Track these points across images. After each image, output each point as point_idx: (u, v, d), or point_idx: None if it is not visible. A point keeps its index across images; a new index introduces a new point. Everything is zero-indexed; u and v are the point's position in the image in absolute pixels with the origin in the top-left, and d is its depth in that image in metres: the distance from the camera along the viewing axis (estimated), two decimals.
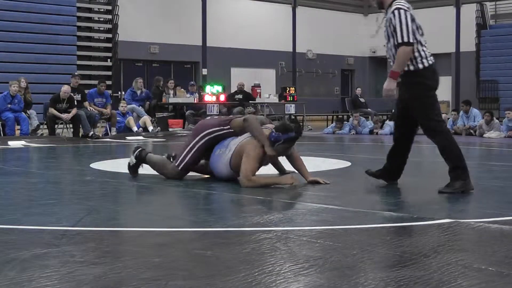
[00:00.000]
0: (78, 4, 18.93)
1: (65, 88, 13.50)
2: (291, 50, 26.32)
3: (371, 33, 27.62)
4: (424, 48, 5.24)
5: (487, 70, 23.37)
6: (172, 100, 16.00)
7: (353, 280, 2.68)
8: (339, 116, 18.84)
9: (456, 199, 4.92)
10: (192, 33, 23.21)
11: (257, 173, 5.64)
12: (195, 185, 5.83)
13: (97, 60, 19.59)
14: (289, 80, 25.70)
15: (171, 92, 16.17)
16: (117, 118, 14.43)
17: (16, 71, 15.82)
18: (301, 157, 5.97)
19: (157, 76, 17.30)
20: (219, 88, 17.75)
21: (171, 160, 6.20)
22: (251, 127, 5.71)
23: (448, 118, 15.44)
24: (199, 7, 23.50)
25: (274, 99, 18.97)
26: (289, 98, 18.76)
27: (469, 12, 24.58)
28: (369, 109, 19.11)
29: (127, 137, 13.18)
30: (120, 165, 6.45)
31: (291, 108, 18.32)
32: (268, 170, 6.04)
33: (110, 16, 19.79)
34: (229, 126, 5.93)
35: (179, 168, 6.02)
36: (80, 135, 13.51)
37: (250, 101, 17.79)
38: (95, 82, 15.92)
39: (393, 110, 19.44)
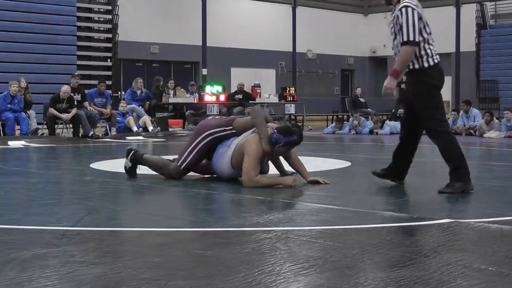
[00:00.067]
0: (78, 4, 18.93)
1: (65, 88, 13.50)
2: (291, 50, 26.32)
3: (371, 33, 27.65)
4: (431, 47, 5.22)
5: (487, 70, 23.37)
6: (172, 100, 16.00)
7: (353, 280, 2.68)
8: (339, 116, 18.84)
9: (456, 199, 4.92)
10: (192, 33, 23.21)
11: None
12: (195, 185, 5.83)
13: (97, 60, 19.59)
14: (289, 80, 25.70)
15: (171, 92, 16.17)
16: (117, 118, 14.42)
17: (16, 71, 15.82)
18: (301, 157, 5.97)
19: (157, 76, 17.30)
20: (219, 88, 17.75)
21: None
22: (255, 119, 5.71)
23: (448, 118, 15.42)
24: (199, 7, 23.50)
25: (274, 99, 18.97)
26: (289, 98, 18.76)
27: (469, 12, 24.59)
28: (369, 109, 19.10)
29: (127, 137, 13.18)
30: (120, 165, 6.45)
31: (291, 108, 18.32)
32: (269, 170, 6.03)
33: (110, 16, 19.79)
34: (231, 127, 5.93)
35: (181, 167, 6.03)
36: (80, 135, 13.51)
37: (250, 101, 17.79)
38: (95, 82, 15.92)
39: (393, 110, 19.46)
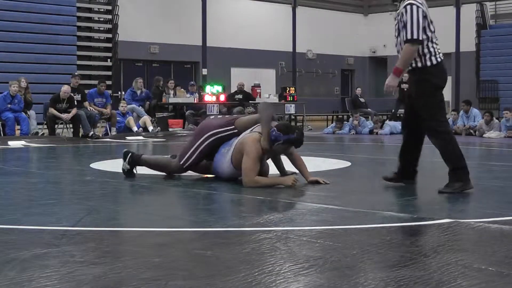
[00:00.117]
0: (78, 4, 18.93)
1: (65, 88, 13.50)
2: (291, 50, 26.32)
3: (371, 33, 27.65)
4: (434, 45, 5.21)
5: (487, 70, 23.37)
6: (172, 100, 16.00)
7: (353, 280, 2.68)
8: (339, 116, 18.84)
9: (456, 199, 4.92)
10: (192, 33, 23.21)
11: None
12: (195, 185, 5.83)
13: (97, 60, 19.58)
14: (289, 80, 25.69)
15: (171, 92, 16.17)
16: (117, 118, 14.42)
17: (16, 71, 15.82)
18: (301, 157, 5.97)
19: (157, 76, 17.30)
20: (219, 88, 17.75)
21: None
22: (262, 114, 5.70)
23: (448, 118, 15.42)
24: (199, 7, 23.50)
25: (274, 99, 18.96)
26: (289, 98, 18.76)
27: (469, 12, 24.59)
28: (369, 109, 19.10)
29: (127, 137, 13.18)
30: (120, 165, 6.45)
31: (291, 108, 18.31)
32: (269, 170, 6.03)
33: (110, 16, 19.79)
34: (233, 126, 5.92)
35: (184, 166, 6.04)
36: (80, 135, 13.51)
37: (250, 101, 17.79)
38: (95, 82, 15.92)
39: (393, 110, 19.45)
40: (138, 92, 15.84)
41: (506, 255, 3.11)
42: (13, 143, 11.28)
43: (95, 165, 7.62)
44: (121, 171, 6.31)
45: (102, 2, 20.43)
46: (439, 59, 5.22)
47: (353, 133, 15.67)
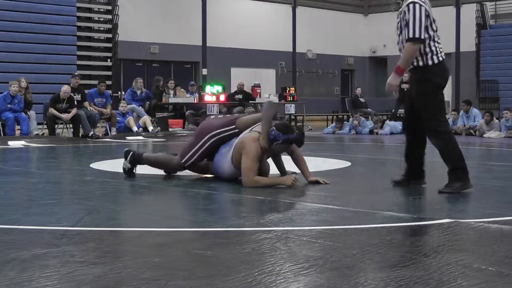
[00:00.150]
0: (78, 4, 18.92)
1: (65, 88, 13.50)
2: (291, 50, 26.32)
3: (371, 33, 27.65)
4: (437, 44, 5.19)
5: (487, 70, 23.36)
6: (172, 100, 16.00)
7: (353, 280, 2.68)
8: (339, 116, 18.84)
9: (456, 199, 4.92)
10: (192, 33, 23.21)
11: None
12: (195, 185, 5.83)
13: (97, 60, 19.58)
14: (289, 80, 25.69)
15: (171, 92, 16.17)
16: (117, 118, 14.42)
17: (16, 71, 15.81)
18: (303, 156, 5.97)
19: (157, 76, 17.29)
20: (219, 88, 17.75)
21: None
22: (265, 112, 5.70)
23: (448, 118, 15.43)
24: (199, 7, 23.50)
25: (274, 99, 18.94)
26: (289, 98, 18.75)
27: (469, 12, 24.59)
28: (369, 109, 19.10)
29: (127, 137, 13.18)
30: (120, 165, 6.44)
31: (291, 108, 18.31)
32: (269, 171, 6.03)
33: (110, 16, 19.79)
34: (234, 126, 5.92)
35: (185, 165, 6.06)
36: (80, 135, 13.51)
37: (250, 101, 17.79)
38: (95, 82, 15.91)
39: (393, 110, 19.44)
40: (138, 92, 15.84)
41: (506, 255, 3.11)
42: (13, 143, 11.27)
43: (95, 165, 7.62)
44: (122, 170, 6.31)
45: (102, 2, 20.43)
46: (440, 58, 5.21)
47: (353, 133, 15.67)
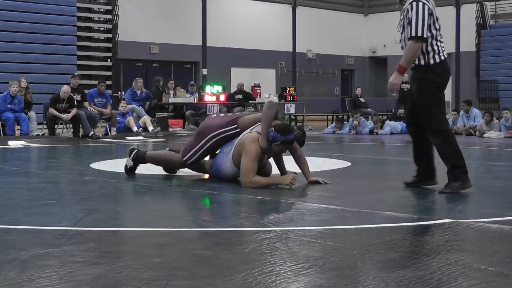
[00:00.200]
0: (78, 4, 18.92)
1: (65, 88, 13.49)
2: (291, 50, 26.31)
3: (371, 33, 27.64)
4: (439, 43, 5.18)
5: (487, 70, 23.37)
6: (172, 100, 16.00)
7: (353, 280, 2.68)
8: (339, 116, 18.83)
9: (456, 199, 4.92)
10: (192, 33, 23.20)
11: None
12: (195, 185, 5.83)
13: (97, 60, 19.58)
14: (289, 80, 25.69)
15: (171, 92, 16.17)
16: (117, 118, 14.42)
17: (16, 71, 15.81)
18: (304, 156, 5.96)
19: (157, 76, 17.29)
20: (219, 88, 17.75)
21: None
22: (264, 112, 5.70)
23: (449, 118, 15.44)
24: (199, 7, 23.50)
25: (274, 99, 18.95)
26: (289, 98, 18.75)
27: (469, 12, 24.59)
28: (369, 109, 19.11)
29: (127, 137, 13.18)
30: (120, 165, 6.45)
31: (291, 108, 18.31)
32: (271, 171, 6.03)
33: (110, 16, 19.78)
34: (236, 125, 5.91)
35: (187, 163, 6.07)
36: (80, 135, 13.51)
37: (250, 101, 17.79)
38: (95, 82, 15.91)
39: (393, 110, 19.45)
40: (138, 92, 15.84)
41: (506, 255, 3.11)
42: (13, 143, 11.27)
43: (95, 165, 7.62)
44: (123, 169, 6.31)
45: (102, 2, 20.43)
46: (442, 58, 5.20)
47: (353, 133, 15.67)
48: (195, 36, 23.37)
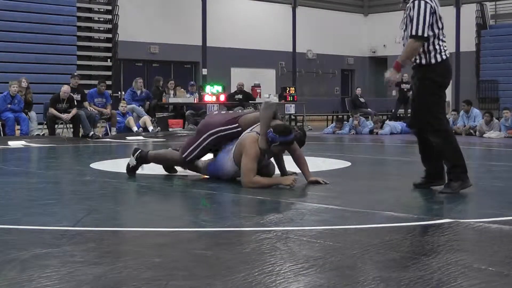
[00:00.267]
0: (78, 4, 18.93)
1: (65, 88, 13.49)
2: (291, 50, 26.32)
3: (371, 33, 27.64)
4: (441, 42, 5.16)
5: (487, 70, 23.37)
6: (172, 100, 16.00)
7: (353, 280, 2.68)
8: (339, 116, 18.83)
9: (456, 199, 4.92)
10: (192, 33, 23.21)
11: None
12: (195, 185, 5.83)
13: (97, 60, 19.59)
14: (289, 80, 25.69)
15: (171, 92, 16.17)
16: (117, 118, 14.42)
17: (16, 71, 15.82)
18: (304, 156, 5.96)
19: (157, 76, 17.29)
20: (219, 88, 17.75)
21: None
22: (263, 112, 5.70)
23: (449, 118, 15.43)
24: (199, 7, 23.50)
25: (274, 99, 18.95)
26: (289, 98, 18.76)
27: (469, 12, 24.59)
28: (369, 109, 19.11)
29: (127, 137, 13.18)
30: (120, 165, 6.45)
31: (291, 108, 18.32)
32: (274, 172, 6.03)
33: (110, 16, 19.78)
34: (237, 124, 5.90)
35: (186, 160, 6.08)
36: (80, 135, 13.51)
37: (250, 101, 17.79)
38: (95, 82, 15.91)
39: (392, 110, 19.45)
40: (138, 92, 15.84)
41: (506, 255, 3.11)
42: (13, 143, 11.27)
43: (95, 165, 7.62)
44: (125, 168, 6.32)
45: (102, 2, 20.43)
46: (444, 57, 5.19)
47: (353, 133, 15.66)
48: (195, 36, 23.37)
